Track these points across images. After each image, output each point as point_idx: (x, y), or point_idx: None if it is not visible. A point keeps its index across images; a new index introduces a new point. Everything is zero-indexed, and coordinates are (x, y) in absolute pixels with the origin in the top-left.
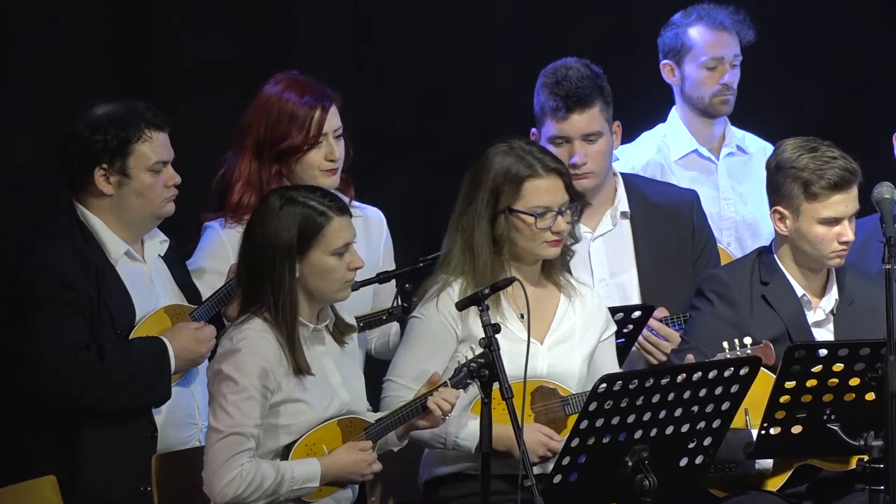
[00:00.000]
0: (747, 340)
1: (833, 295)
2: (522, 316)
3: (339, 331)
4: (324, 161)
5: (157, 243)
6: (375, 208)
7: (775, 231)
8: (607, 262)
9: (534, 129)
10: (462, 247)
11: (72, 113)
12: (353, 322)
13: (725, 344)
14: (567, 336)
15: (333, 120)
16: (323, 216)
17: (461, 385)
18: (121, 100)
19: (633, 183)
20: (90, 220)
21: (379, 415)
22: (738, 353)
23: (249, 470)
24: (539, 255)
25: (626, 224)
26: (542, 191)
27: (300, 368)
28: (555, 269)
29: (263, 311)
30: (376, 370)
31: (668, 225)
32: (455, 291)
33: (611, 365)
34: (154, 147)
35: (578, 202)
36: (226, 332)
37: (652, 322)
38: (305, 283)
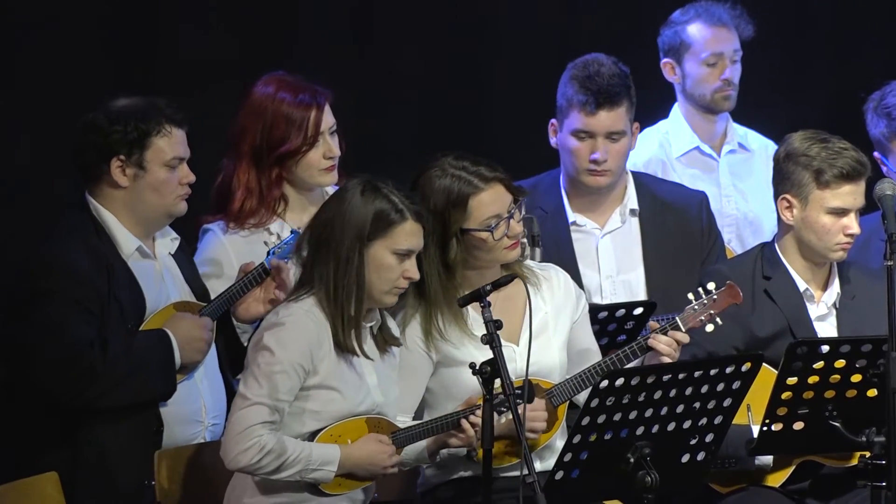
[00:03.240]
0: (711, 286)
1: (835, 289)
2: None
3: (384, 338)
4: (322, 159)
5: (169, 241)
6: None
7: (779, 221)
8: (615, 260)
9: (553, 120)
10: None
11: (76, 111)
12: (399, 335)
13: (691, 296)
14: (541, 329)
15: (328, 117)
16: (399, 214)
17: (498, 411)
18: (141, 95)
19: (644, 181)
20: (102, 214)
21: (409, 423)
22: (706, 300)
23: (268, 442)
24: (501, 261)
25: (635, 222)
26: (488, 203)
27: (350, 349)
28: (514, 262)
29: (319, 293)
30: None
31: (677, 224)
32: (418, 321)
33: (589, 341)
34: (172, 143)
35: (521, 198)
36: (275, 307)
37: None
38: None
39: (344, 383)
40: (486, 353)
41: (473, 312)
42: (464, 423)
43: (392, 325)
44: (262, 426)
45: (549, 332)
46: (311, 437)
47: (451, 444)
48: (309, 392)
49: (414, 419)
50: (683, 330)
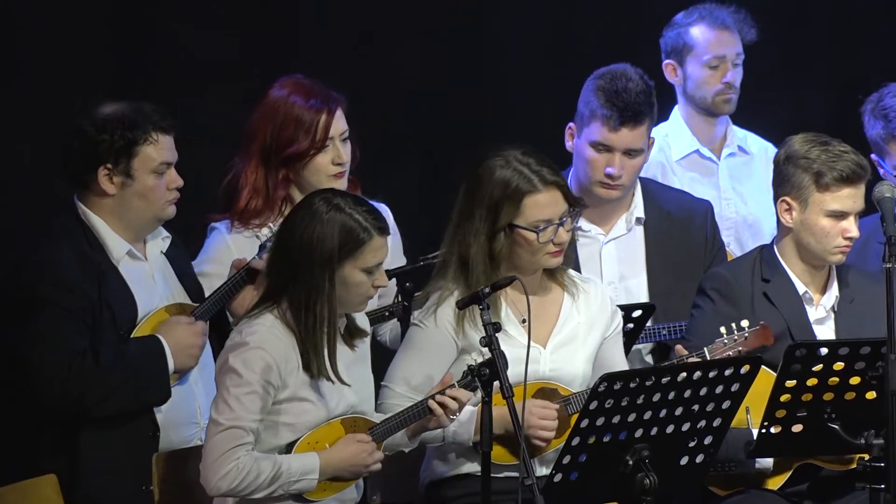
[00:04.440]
0: (744, 323)
1: (834, 292)
2: (524, 321)
3: (350, 334)
4: (331, 165)
5: (160, 240)
6: (382, 205)
7: (778, 224)
8: (618, 266)
9: (571, 123)
10: (458, 259)
11: (75, 111)
12: (367, 327)
13: (723, 329)
14: (571, 338)
15: (339, 123)
16: (366, 232)
17: (468, 388)
18: (127, 101)
19: (651, 189)
20: (92, 220)
21: (384, 416)
22: (736, 336)
23: (245, 464)
24: (542, 266)
25: (640, 230)
26: (543, 205)
27: (325, 375)
28: (558, 269)
29: (282, 307)
30: (381, 372)
31: (681, 234)
32: (453, 302)
33: (619, 360)
34: (159, 149)
35: (578, 209)
36: (238, 324)
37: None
38: None
39: (315, 392)
40: (512, 348)
41: (507, 307)
42: (431, 403)
43: (359, 316)
44: (238, 449)
45: (577, 341)
46: (289, 448)
47: (429, 427)
48: (281, 406)
49: None
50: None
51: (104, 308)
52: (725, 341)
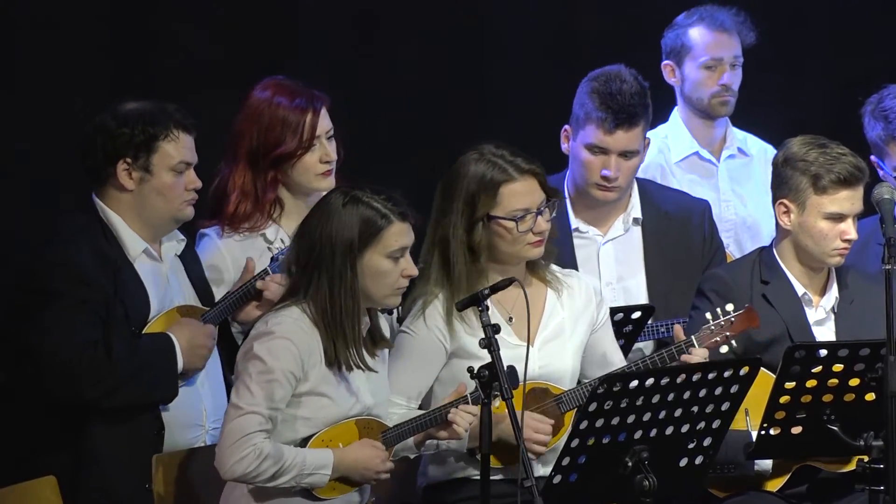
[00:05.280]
0: (729, 307)
1: (833, 293)
2: (511, 319)
3: (373, 340)
4: (318, 164)
5: (175, 242)
6: None
7: (777, 227)
8: (616, 267)
9: (566, 126)
10: (439, 258)
11: (75, 111)
12: (388, 335)
13: (708, 315)
14: (557, 333)
15: (325, 122)
16: (385, 218)
17: (479, 401)
18: (152, 100)
19: (648, 189)
20: (110, 216)
21: (397, 420)
22: (722, 322)
23: (261, 450)
24: (523, 257)
25: (638, 230)
26: (519, 194)
27: (355, 365)
28: (539, 265)
29: (307, 302)
30: None
31: (679, 234)
32: (440, 304)
33: (612, 349)
34: (179, 147)
35: (555, 199)
36: (263, 315)
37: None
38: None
39: (334, 389)
40: (502, 348)
41: (492, 306)
42: (451, 416)
43: (383, 324)
44: (255, 435)
45: (564, 336)
46: (304, 442)
47: (440, 438)
48: (300, 399)
49: (420, 407)
50: (697, 347)
51: (118, 303)
52: (712, 328)
